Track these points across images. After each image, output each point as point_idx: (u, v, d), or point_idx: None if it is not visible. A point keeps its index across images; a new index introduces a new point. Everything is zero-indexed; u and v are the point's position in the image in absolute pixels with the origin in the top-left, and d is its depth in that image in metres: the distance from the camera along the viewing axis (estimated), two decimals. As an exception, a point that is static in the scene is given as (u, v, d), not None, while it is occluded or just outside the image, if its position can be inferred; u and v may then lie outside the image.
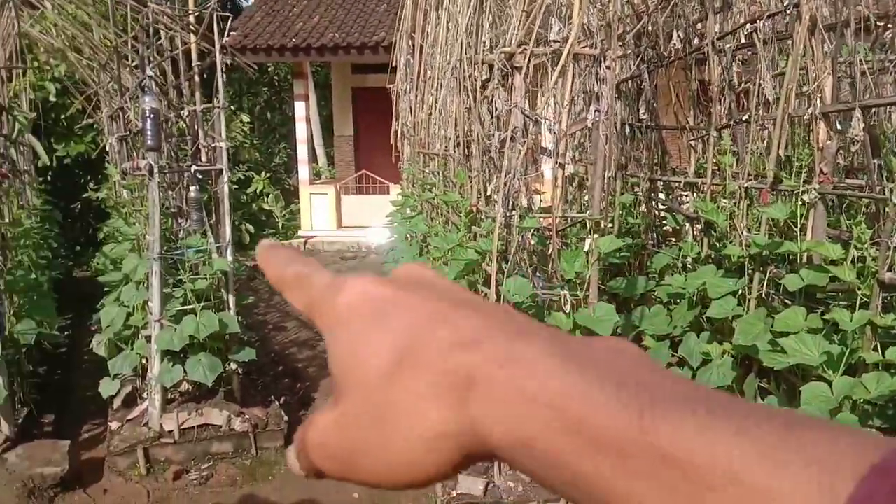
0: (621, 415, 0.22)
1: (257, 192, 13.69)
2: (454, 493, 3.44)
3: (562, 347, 0.26)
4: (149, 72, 4.05)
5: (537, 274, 3.81)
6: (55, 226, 8.00)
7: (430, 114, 6.02)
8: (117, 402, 4.79)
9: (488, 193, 3.98)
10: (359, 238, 12.00)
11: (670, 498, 0.21)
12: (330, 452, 0.29)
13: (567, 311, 3.31)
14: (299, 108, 12.65)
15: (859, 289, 2.69)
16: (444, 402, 0.26)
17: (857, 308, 2.66)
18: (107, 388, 4.64)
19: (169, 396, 4.52)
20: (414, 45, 6.92)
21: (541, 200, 4.40)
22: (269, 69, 19.87)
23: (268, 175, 14.28)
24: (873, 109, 3.65)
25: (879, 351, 2.56)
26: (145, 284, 4.44)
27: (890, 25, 3.89)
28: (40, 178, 8.82)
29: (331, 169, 15.87)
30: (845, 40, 3.21)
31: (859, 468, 0.20)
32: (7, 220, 5.41)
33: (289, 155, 17.44)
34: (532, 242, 3.92)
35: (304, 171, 12.78)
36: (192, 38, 4.69)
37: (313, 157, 15.86)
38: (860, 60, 3.22)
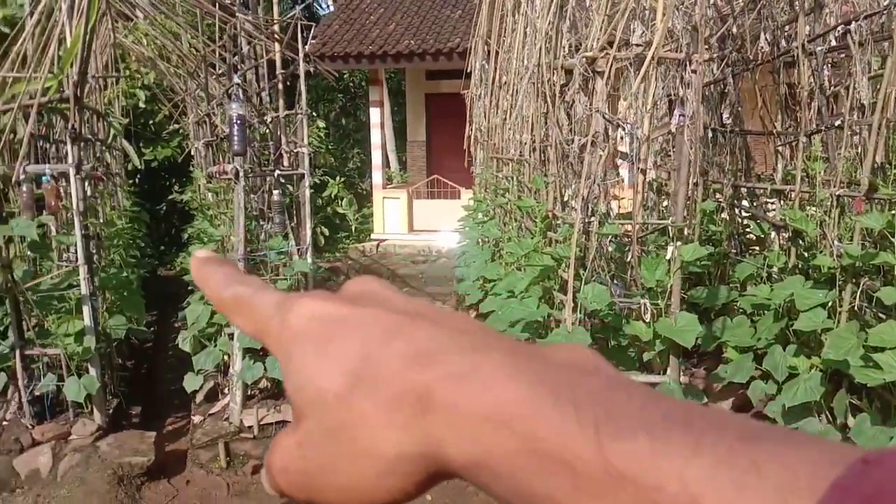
0: (576, 434, 0.22)
1: (332, 196, 13.98)
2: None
3: (518, 363, 0.25)
4: (236, 79, 4.20)
5: (615, 281, 3.75)
6: (143, 227, 8.38)
7: (505, 119, 6.02)
8: (200, 397, 4.97)
9: (565, 199, 3.95)
10: (429, 242, 12.10)
11: None
12: (292, 476, 0.28)
13: (647, 321, 3.25)
14: (374, 114, 12.86)
15: (965, 303, 2.53)
16: (400, 422, 0.25)
17: (962, 324, 2.51)
18: (190, 382, 4.82)
19: (249, 393, 4.66)
20: (489, 51, 6.94)
21: (618, 207, 4.33)
22: (345, 76, 20.28)
23: (342, 179, 14.58)
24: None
25: None
26: (229, 284, 4.59)
27: None
28: (130, 181, 9.26)
29: (403, 174, 16.06)
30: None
31: (817, 486, 0.19)
32: (101, 221, 5.71)
33: (362, 160, 17.74)
34: (611, 250, 3.87)
35: (377, 175, 12.99)
36: (277, 46, 4.84)
37: (386, 162, 16.10)
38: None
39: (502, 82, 6.24)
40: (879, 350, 2.72)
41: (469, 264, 7.13)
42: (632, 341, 3.66)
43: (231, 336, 4.54)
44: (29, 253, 4.47)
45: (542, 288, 4.00)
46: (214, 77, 5.74)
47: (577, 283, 3.39)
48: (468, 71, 8.12)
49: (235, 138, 4.16)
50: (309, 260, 4.58)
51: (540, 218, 4.24)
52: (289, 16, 4.94)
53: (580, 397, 0.23)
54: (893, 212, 3.03)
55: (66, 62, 3.90)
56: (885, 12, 3.40)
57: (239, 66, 4.81)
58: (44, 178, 4.13)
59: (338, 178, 14.36)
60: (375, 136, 12.87)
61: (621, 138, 3.70)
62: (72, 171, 4.09)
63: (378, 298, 0.30)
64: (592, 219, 3.32)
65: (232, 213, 4.40)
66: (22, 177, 4.06)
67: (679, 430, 0.21)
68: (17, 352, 4.12)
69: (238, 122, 4.14)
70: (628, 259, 3.55)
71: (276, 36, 4.93)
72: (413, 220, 12.86)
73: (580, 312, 3.43)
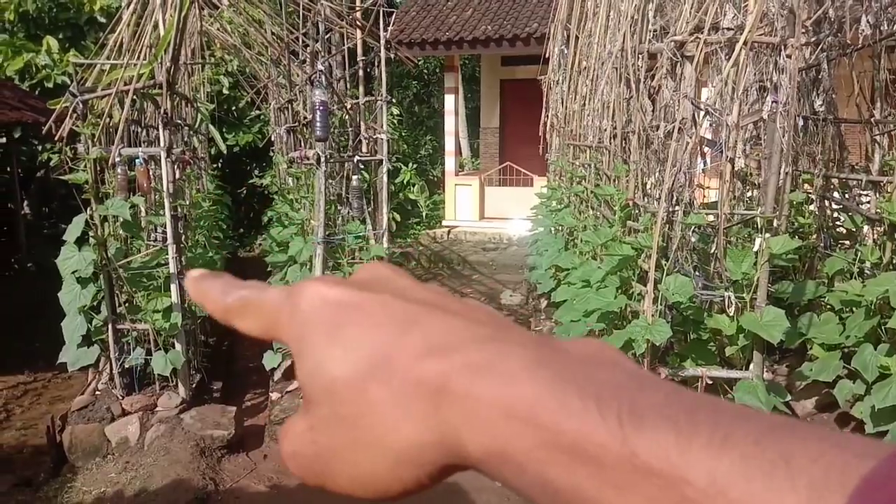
0: (600, 427, 0.21)
1: (404, 182, 14.12)
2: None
3: (538, 355, 0.24)
4: (319, 66, 4.28)
5: (697, 272, 3.65)
6: (225, 209, 8.68)
7: (584, 105, 5.92)
8: (278, 375, 5.12)
9: (647, 187, 3.86)
10: (500, 230, 12.07)
11: None
12: (302, 462, 0.28)
13: (731, 314, 3.15)
14: (449, 100, 12.89)
15: None
16: (415, 413, 0.25)
17: None
18: (269, 360, 4.98)
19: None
20: (569, 36, 6.83)
21: (703, 196, 4.21)
22: (420, 62, 20.37)
23: (414, 166, 14.69)
24: None
25: None
26: (309, 266, 4.71)
27: None
28: (213, 165, 9.59)
29: (474, 161, 16.06)
30: None
31: (847, 481, 0.18)
32: (188, 203, 5.94)
33: (434, 147, 17.82)
34: (694, 241, 3.76)
35: (450, 162, 13.02)
36: (358, 33, 4.90)
37: (458, 149, 16.12)
38: None
39: (582, 67, 6.14)
40: None
41: (542, 253, 7.08)
42: (713, 335, 3.56)
43: (309, 317, 4.65)
44: (121, 232, 4.69)
45: (619, 278, 3.94)
46: (297, 64, 5.86)
47: (658, 273, 3.31)
48: (546, 56, 8.02)
49: (318, 124, 4.24)
50: (385, 244, 4.65)
51: (619, 206, 4.16)
52: (370, 3, 5.00)
53: (603, 390, 0.23)
54: None
55: (160, 50, 4.05)
56: None
57: (321, 54, 4.89)
58: (137, 160, 4.32)
59: (410, 164, 14.48)
60: (449, 123, 12.89)
61: (707, 125, 3.58)
62: (163, 155, 4.27)
63: (390, 285, 0.30)
64: (677, 208, 3.24)
65: (312, 198, 4.50)
66: (117, 159, 4.26)
67: (705, 422, 0.21)
68: (110, 326, 4.35)
69: (321, 108, 4.22)
70: (712, 251, 3.45)
71: (357, 23, 5.00)
72: (484, 208, 12.85)
73: (660, 304, 3.36)
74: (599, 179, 5.24)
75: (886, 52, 3.89)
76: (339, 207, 5.09)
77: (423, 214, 14.36)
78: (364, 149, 4.89)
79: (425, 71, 21.25)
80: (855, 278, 3.73)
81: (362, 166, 4.68)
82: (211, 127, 6.12)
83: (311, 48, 5.03)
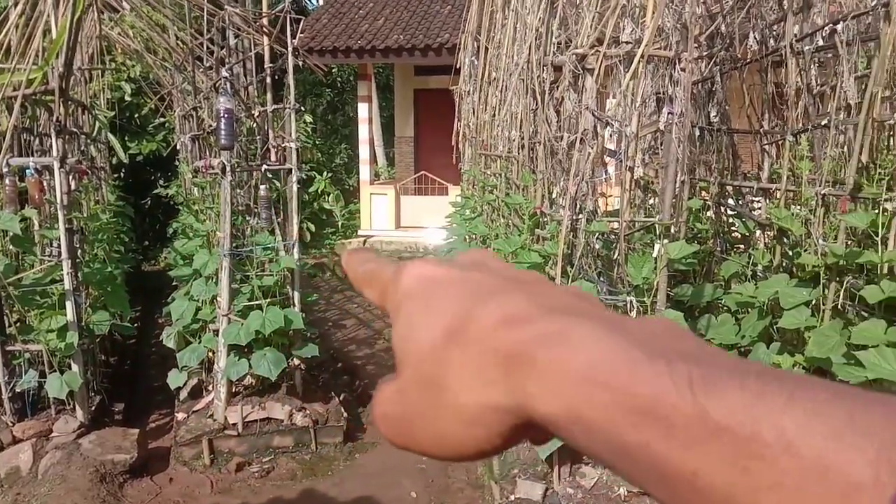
0: (671, 388, 0.22)
1: (318, 191, 13.93)
2: (513, 497, 3.42)
3: (610, 325, 0.26)
4: (224, 73, 4.17)
5: (601, 279, 3.76)
6: (127, 221, 8.31)
7: (494, 115, 6.01)
8: (184, 394, 4.94)
9: (553, 196, 3.95)
10: (416, 238, 12.08)
11: (722, 467, 0.21)
12: (390, 422, 0.30)
13: (633, 317, 3.25)
14: (362, 109, 12.82)
15: (948, 302, 2.55)
16: (490, 378, 0.26)
17: (945, 323, 2.53)
18: (175, 379, 4.79)
19: (234, 390, 4.64)
20: (479, 47, 6.93)
21: (605, 204, 4.34)
22: (333, 71, 20.20)
23: (329, 175, 14.53)
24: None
25: (970, 368, 2.43)
26: (215, 280, 4.57)
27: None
28: (114, 175, 9.17)
29: (390, 170, 16.03)
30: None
31: None
32: (85, 215, 5.65)
33: (349, 155, 17.68)
34: (598, 247, 3.87)
35: (365, 171, 12.95)
36: (265, 40, 4.81)
37: (373, 158, 16.05)
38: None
39: (491, 78, 6.23)
40: (862, 348, 2.74)
41: (456, 261, 7.12)
42: (618, 339, 3.66)
43: (216, 333, 4.51)
44: (11, 247, 4.41)
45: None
46: (202, 70, 5.68)
47: (564, 280, 3.39)
48: (457, 67, 8.10)
49: (223, 132, 4.12)
50: (295, 256, 4.56)
51: (528, 215, 4.24)
52: (278, 9, 4.91)
53: (672, 355, 0.24)
54: (878, 211, 3.05)
55: (51, 54, 3.84)
56: (871, 12, 3.42)
57: (227, 60, 4.76)
58: (27, 171, 4.08)
59: (325, 173, 14.31)
60: (363, 132, 12.83)
61: (609, 136, 3.70)
62: (56, 165, 4.05)
63: (483, 265, 0.33)
64: (580, 216, 3.33)
65: (218, 208, 4.37)
66: (5, 170, 4.01)
67: (773, 384, 0.22)
68: (-1, 347, 4.07)
69: (225, 115, 4.10)
70: (615, 256, 3.56)
71: (264, 29, 4.90)
72: (400, 217, 12.84)
73: (567, 310, 3.43)
74: (510, 189, 5.33)
75: (772, 66, 4.13)
76: (247, 218, 4.95)
77: (339, 224, 14.20)
78: (273, 158, 4.78)
79: (339, 79, 21.08)
80: (749, 281, 3.92)
81: (270, 175, 4.58)
82: (110, 135, 5.84)
83: (216, 54, 4.89)
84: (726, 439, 0.21)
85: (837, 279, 3.25)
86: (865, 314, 3.15)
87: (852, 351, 2.84)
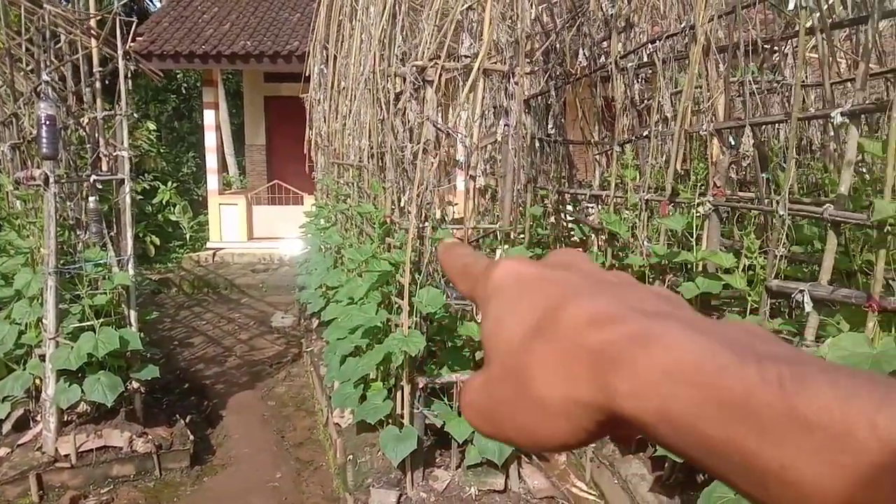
0: (762, 386, 0.23)
1: (163, 202, 13.21)
2: (368, 507, 3.41)
3: (698, 327, 0.26)
4: (45, 76, 3.85)
5: (449, 285, 3.85)
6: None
7: (345, 124, 5.99)
8: (7, 427, 4.49)
9: (402, 205, 3.99)
10: (271, 250, 11.76)
11: (814, 461, 0.22)
12: (478, 411, 0.31)
13: (479, 321, 3.36)
14: (208, 116, 12.32)
15: (749, 295, 2.85)
16: (576, 374, 0.27)
17: (747, 313, 2.82)
18: (-5, 411, 4.35)
19: (66, 418, 4.28)
20: (328, 55, 6.88)
21: (454, 212, 4.45)
22: (178, 76, 19.27)
23: (175, 185, 13.82)
24: (763, 126, 3.90)
25: (768, 354, 2.72)
26: (39, 300, 4.20)
27: (776, 49, 4.17)
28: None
29: (242, 179, 15.51)
30: (737, 61, 3.42)
31: None
32: None
33: (198, 165, 16.92)
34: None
35: (213, 180, 12.43)
36: (93, 42, 4.49)
37: (224, 167, 15.45)
38: (749, 81, 3.43)
39: (341, 87, 6.20)
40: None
41: (311, 272, 7.00)
42: (466, 342, 3.76)
43: (43, 358, 4.14)
44: None
45: (381, 293, 4.02)
46: (22, 73, 5.21)
47: (413, 287, 3.43)
48: (307, 75, 8.00)
49: (44, 140, 3.81)
50: (131, 272, 4.28)
51: (378, 223, 4.26)
52: (108, 10, 4.60)
53: (762, 355, 0.24)
54: (693, 214, 3.36)
55: None
56: (683, 33, 3.75)
57: (50, 62, 4.40)
58: None
59: (170, 183, 13.59)
60: (210, 139, 12.32)
61: (455, 146, 3.80)
62: None
63: (573, 265, 0.33)
64: (426, 224, 3.39)
65: (42, 223, 4.02)
66: None
67: (865, 383, 0.22)
68: None
69: (47, 122, 3.79)
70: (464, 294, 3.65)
71: (91, 31, 4.57)
72: (253, 228, 12.44)
73: (416, 316, 3.48)
74: (362, 197, 5.33)
75: (601, 81, 4.42)
76: (77, 233, 4.60)
77: (187, 237, 13.53)
78: (104, 167, 4.48)
79: (185, 85, 20.13)
80: (586, 282, 4.16)
81: (101, 186, 4.28)
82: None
83: (36, 56, 4.51)
84: (819, 435, 0.21)
85: (661, 277, 3.54)
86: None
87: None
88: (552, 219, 5.08)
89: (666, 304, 0.30)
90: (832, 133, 3.79)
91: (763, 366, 0.23)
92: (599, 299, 0.29)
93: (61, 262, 4.11)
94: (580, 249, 0.38)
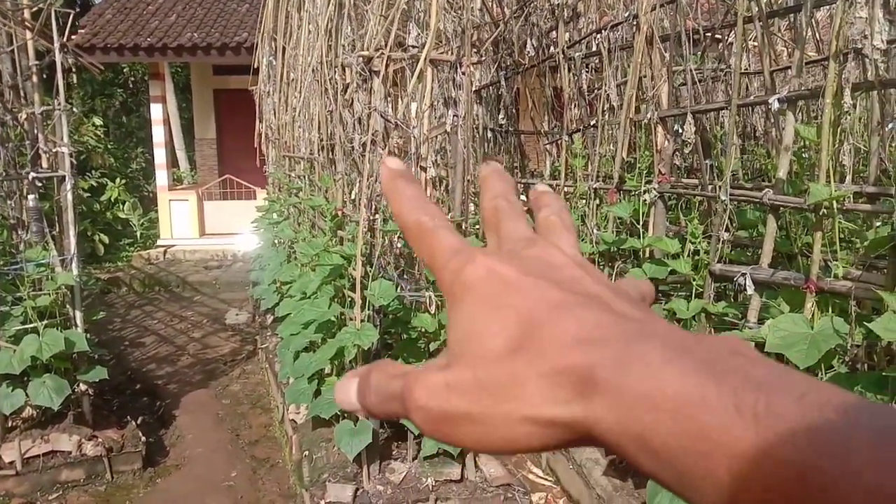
0: (736, 419, 0.23)
1: (112, 199, 12.87)
2: (323, 502, 3.39)
3: (680, 350, 0.26)
4: (-25, 70, 3.70)
5: (404, 276, 3.84)
6: None
7: (294, 117, 5.91)
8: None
9: (353, 197, 3.96)
10: (224, 246, 11.56)
11: (789, 496, 0.22)
12: (430, 415, 0.30)
13: (432, 312, 3.36)
14: (156, 110, 12.04)
15: (694, 280, 2.91)
16: (559, 397, 0.27)
17: (693, 297, 2.88)
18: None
19: (10, 424, 4.15)
20: (276, 47, 6.78)
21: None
22: (125, 70, 18.75)
23: (124, 182, 13.47)
24: (707, 114, 3.98)
25: (713, 336, 2.78)
26: (-23, 303, 4.06)
27: (718, 37, 4.25)
28: None
29: (193, 174, 15.20)
30: (681, 50, 3.48)
31: None
32: None
33: (147, 160, 16.50)
34: (399, 246, 3.94)
35: (162, 176, 12.16)
36: (28, 34, 4.34)
37: (174, 162, 15.13)
38: (691, 69, 3.49)
39: (290, 79, 6.12)
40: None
41: (264, 267, 6.91)
42: (421, 334, 3.76)
43: (-17, 361, 4.00)
44: None
45: (334, 287, 3.99)
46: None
47: (365, 280, 3.42)
48: (255, 67, 7.87)
49: (-23, 137, 3.67)
50: (75, 271, 4.16)
51: (330, 216, 4.22)
52: (45, 1, 4.44)
53: (740, 382, 0.24)
54: (640, 201, 3.41)
55: None
56: (628, 23, 3.79)
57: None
58: None
59: (118, 180, 13.25)
60: (158, 134, 12.05)
61: (406, 137, 3.77)
62: None
63: (554, 269, 0.32)
64: (377, 216, 3.37)
65: (-22, 223, 3.88)
66: None
67: (836, 416, 0.22)
68: None
69: (-20, 118, 3.65)
70: (415, 254, 3.64)
71: (26, 23, 4.41)
72: (205, 224, 12.22)
73: (369, 309, 3.47)
74: (313, 191, 5.27)
75: (550, 71, 4.45)
76: (17, 232, 4.45)
77: (137, 234, 13.22)
78: (44, 164, 4.34)
79: (132, 79, 19.61)
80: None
81: (41, 184, 4.15)
82: None
83: (-33, 50, 4.33)
84: (791, 472, 0.21)
85: (610, 264, 3.59)
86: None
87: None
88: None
89: (646, 314, 0.30)
90: (773, 120, 3.89)
91: (740, 396, 0.23)
92: (582, 315, 0.28)
93: (1, 262, 3.97)
94: (556, 244, 0.37)
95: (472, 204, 4.48)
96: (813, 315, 2.36)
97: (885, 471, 0.20)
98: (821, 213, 2.33)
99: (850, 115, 2.56)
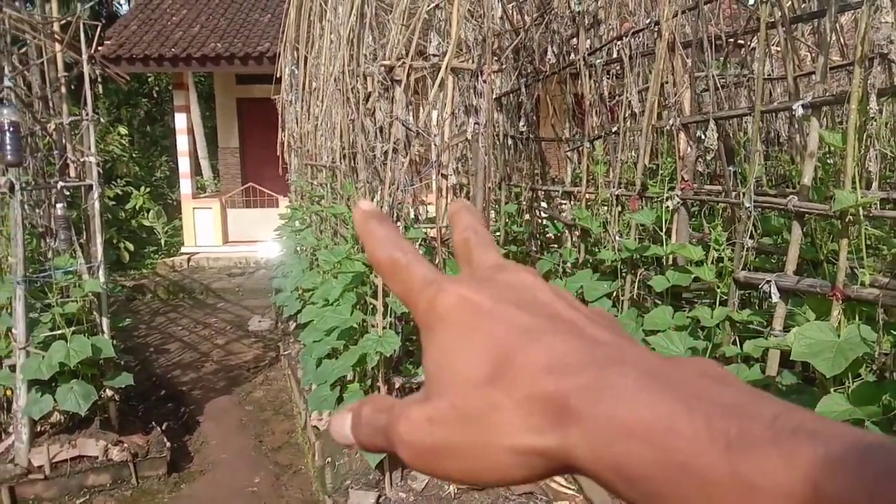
0: (708, 447, 0.23)
1: (136, 207, 13.05)
2: (347, 508, 3.41)
3: (653, 377, 0.26)
4: (7, 82, 3.79)
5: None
6: None
7: (317, 125, 5.96)
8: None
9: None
10: (247, 253, 11.67)
11: None
12: (416, 450, 0.30)
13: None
14: (180, 119, 12.21)
15: (718, 287, 2.89)
16: (535, 425, 0.27)
17: (717, 305, 2.86)
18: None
19: (38, 429, 4.22)
20: (298, 56, 6.84)
21: (426, 211, 4.45)
22: (150, 80, 19.05)
23: (148, 190, 13.66)
24: (730, 120, 3.95)
25: (738, 344, 2.76)
26: (8, 310, 4.14)
27: (741, 42, 4.23)
28: None
29: (217, 182, 15.37)
30: (703, 57, 3.46)
31: None
32: None
33: (171, 169, 16.72)
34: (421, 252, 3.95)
35: (186, 184, 12.32)
36: (57, 47, 4.43)
37: (198, 170, 15.30)
38: (713, 75, 3.47)
39: (312, 88, 6.18)
40: (653, 333, 3.02)
41: (287, 275, 6.96)
42: (443, 341, 3.76)
43: (13, 368, 4.08)
44: None
45: (356, 294, 4.01)
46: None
47: (387, 288, 3.43)
48: (278, 76, 7.95)
49: (8, 147, 3.75)
50: (101, 279, 4.23)
51: (352, 225, 4.24)
52: (74, 14, 4.53)
53: (712, 409, 0.24)
54: (661, 208, 3.39)
55: None
56: (649, 29, 3.78)
57: (14, 67, 4.33)
58: None
59: (143, 188, 13.44)
60: (182, 143, 12.21)
61: (427, 145, 3.80)
62: None
63: (526, 295, 0.32)
64: (398, 224, 3.38)
65: (9, 231, 3.95)
66: None
67: (808, 441, 0.22)
68: None
69: (11, 129, 3.73)
70: (436, 262, 3.65)
71: (55, 36, 4.51)
72: (228, 231, 12.34)
73: (391, 316, 3.48)
74: (335, 198, 5.31)
75: (571, 78, 4.44)
76: (46, 240, 4.53)
77: (162, 242, 13.39)
78: (72, 173, 4.42)
79: (157, 89, 19.90)
80: (560, 277, 4.19)
81: (68, 193, 4.23)
82: None
83: (-1, 62, 4.43)
84: (762, 499, 0.22)
85: (632, 272, 3.57)
86: (658, 302, 3.48)
87: (646, 336, 3.12)
88: (526, 216, 5.10)
89: (620, 339, 0.30)
90: (797, 126, 3.85)
91: (712, 424, 0.24)
92: (555, 343, 0.28)
93: (30, 270, 4.05)
94: (529, 267, 0.36)
95: (492, 211, 4.49)
96: (839, 323, 2.32)
97: (863, 501, 0.20)
98: (847, 220, 2.31)
99: (876, 120, 2.53)
